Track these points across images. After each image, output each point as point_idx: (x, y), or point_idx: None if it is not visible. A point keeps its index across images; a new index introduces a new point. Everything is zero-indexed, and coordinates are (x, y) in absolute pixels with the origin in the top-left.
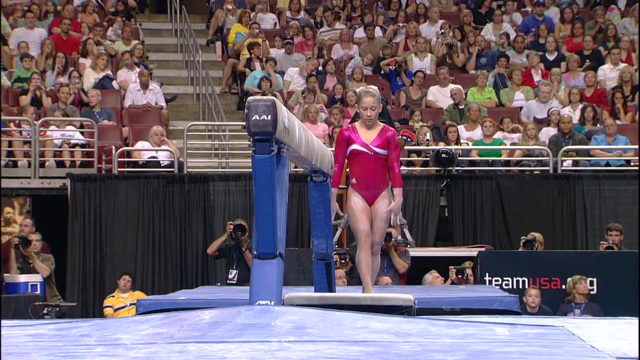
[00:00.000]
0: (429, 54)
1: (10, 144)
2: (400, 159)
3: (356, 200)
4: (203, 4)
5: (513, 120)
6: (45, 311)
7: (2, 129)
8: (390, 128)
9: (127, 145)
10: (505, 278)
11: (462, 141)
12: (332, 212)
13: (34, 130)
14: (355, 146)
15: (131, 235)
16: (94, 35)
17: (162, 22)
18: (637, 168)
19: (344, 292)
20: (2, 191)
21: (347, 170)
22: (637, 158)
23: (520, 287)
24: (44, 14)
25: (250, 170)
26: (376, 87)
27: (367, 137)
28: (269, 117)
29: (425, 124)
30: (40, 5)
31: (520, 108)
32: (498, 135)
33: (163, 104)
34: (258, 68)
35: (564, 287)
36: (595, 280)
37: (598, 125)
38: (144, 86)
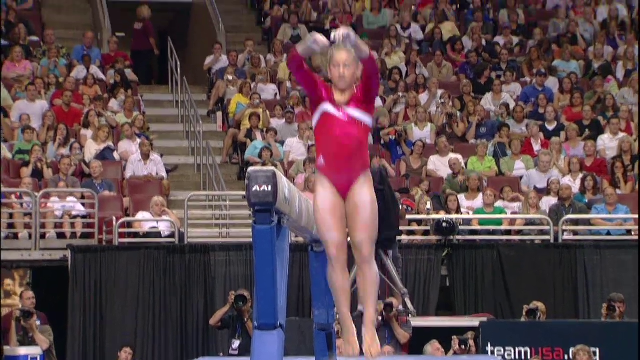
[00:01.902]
0: (429, 124)
1: (11, 215)
2: (401, 228)
3: (324, 196)
4: (204, 75)
5: (513, 190)
6: None
7: (3, 201)
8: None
9: (127, 215)
10: (507, 348)
11: (462, 210)
12: (317, 42)
13: (35, 202)
14: (326, 107)
15: (132, 306)
16: (95, 107)
17: (163, 94)
18: (638, 238)
19: None
20: (2, 263)
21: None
22: (638, 227)
23: (523, 357)
24: (46, 86)
25: (252, 239)
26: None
27: (341, 98)
28: (270, 187)
29: (425, 193)
30: (43, 77)
31: (521, 177)
32: (499, 204)
33: (164, 174)
34: (259, 138)
35: (567, 357)
36: (597, 350)
37: (598, 194)
38: (145, 157)
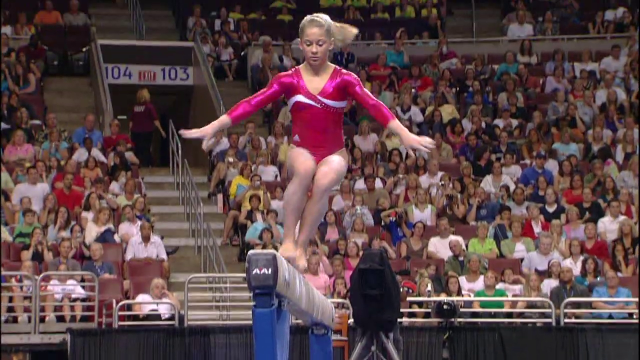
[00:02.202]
0: (429, 205)
1: (10, 299)
2: (401, 310)
3: (299, 150)
4: (204, 158)
5: (514, 272)
6: None
7: (3, 284)
8: (346, 70)
9: (127, 298)
10: None
11: (463, 292)
12: (196, 134)
13: (35, 285)
14: (298, 98)
15: None
16: (96, 190)
17: (164, 176)
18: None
19: None
20: (2, 347)
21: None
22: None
23: None
24: (47, 169)
25: (252, 322)
26: (327, 16)
27: (314, 86)
28: (270, 271)
29: (426, 275)
30: (44, 160)
31: (522, 259)
32: (500, 286)
33: (164, 256)
34: (259, 220)
35: None
36: None
37: (599, 277)
38: (146, 239)
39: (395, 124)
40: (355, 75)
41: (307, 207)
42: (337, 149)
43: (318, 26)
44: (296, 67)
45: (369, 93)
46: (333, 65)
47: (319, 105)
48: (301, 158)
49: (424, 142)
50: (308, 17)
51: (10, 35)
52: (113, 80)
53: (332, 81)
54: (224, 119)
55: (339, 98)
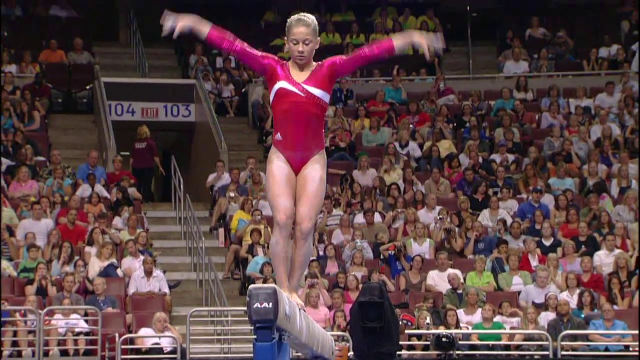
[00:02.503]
0: (428, 239)
1: (15, 333)
2: (401, 342)
3: (279, 165)
4: (206, 193)
5: (512, 305)
6: None
7: (7, 319)
8: (327, 58)
9: (130, 332)
10: None
11: (461, 325)
12: (172, 21)
13: (39, 320)
14: (282, 83)
15: None
16: (99, 225)
17: (166, 210)
18: (636, 353)
19: None
20: None
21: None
22: (636, 343)
23: None
24: (51, 205)
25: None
26: (313, 17)
27: (299, 77)
28: (270, 305)
29: (425, 308)
30: (48, 196)
31: (519, 292)
32: (497, 319)
33: (166, 290)
34: (260, 254)
35: None
36: None
37: (596, 310)
38: (148, 273)
39: (399, 42)
40: (333, 57)
41: (294, 252)
42: (318, 150)
43: (305, 25)
44: (286, 61)
45: (353, 53)
46: (317, 62)
47: (302, 94)
48: (279, 200)
49: (433, 43)
50: (295, 17)
51: (16, 74)
52: (116, 117)
53: (315, 71)
54: (205, 27)
55: (323, 87)
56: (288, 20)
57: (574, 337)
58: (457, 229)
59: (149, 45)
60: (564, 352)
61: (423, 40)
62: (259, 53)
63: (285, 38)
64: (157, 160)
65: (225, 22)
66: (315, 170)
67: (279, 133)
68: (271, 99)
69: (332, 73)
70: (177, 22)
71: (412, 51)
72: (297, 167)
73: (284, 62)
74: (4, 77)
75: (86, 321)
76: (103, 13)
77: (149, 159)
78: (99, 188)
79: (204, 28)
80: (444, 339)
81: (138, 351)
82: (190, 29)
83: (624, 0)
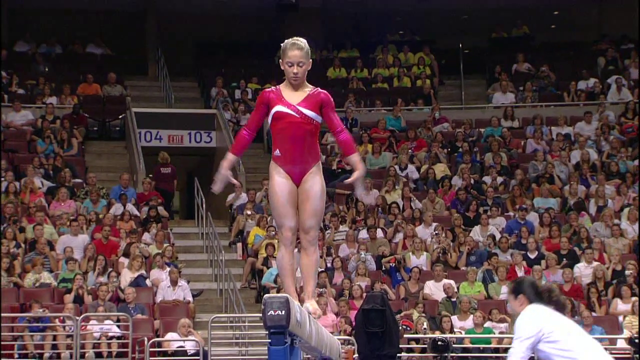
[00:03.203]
0: (425, 253)
1: (54, 338)
2: (400, 346)
3: (279, 182)
4: (226, 211)
5: (500, 311)
6: None
7: (48, 324)
8: (323, 90)
9: (158, 336)
10: None
11: (455, 330)
12: (219, 182)
13: (76, 325)
14: (278, 108)
15: None
16: (130, 240)
17: (190, 227)
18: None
19: None
20: None
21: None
22: (612, 347)
23: None
24: (87, 222)
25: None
26: (305, 40)
27: (293, 98)
28: (283, 312)
29: (417, 313)
30: (85, 214)
31: (507, 300)
32: (488, 324)
33: (190, 298)
34: (274, 266)
35: None
36: None
37: (576, 316)
38: (174, 283)
39: (356, 157)
40: (331, 98)
41: (302, 262)
42: (315, 162)
43: (299, 49)
44: (277, 86)
45: (339, 121)
46: (311, 86)
47: (297, 115)
48: (283, 220)
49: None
50: (289, 41)
51: (56, 105)
52: (145, 144)
53: (310, 98)
54: (230, 156)
55: (316, 111)
56: (282, 44)
57: None
58: (451, 244)
59: (174, 79)
60: None
61: (358, 182)
62: (257, 111)
63: (280, 61)
64: (175, 183)
65: (246, 60)
66: (316, 184)
67: (277, 150)
68: (269, 121)
69: (322, 107)
70: (221, 182)
71: (410, 84)
72: (296, 179)
73: (274, 88)
74: (46, 108)
75: (118, 326)
76: (134, 51)
77: (171, 182)
78: (130, 207)
79: (231, 158)
80: (439, 343)
81: (165, 354)
82: (230, 175)
83: (600, 39)
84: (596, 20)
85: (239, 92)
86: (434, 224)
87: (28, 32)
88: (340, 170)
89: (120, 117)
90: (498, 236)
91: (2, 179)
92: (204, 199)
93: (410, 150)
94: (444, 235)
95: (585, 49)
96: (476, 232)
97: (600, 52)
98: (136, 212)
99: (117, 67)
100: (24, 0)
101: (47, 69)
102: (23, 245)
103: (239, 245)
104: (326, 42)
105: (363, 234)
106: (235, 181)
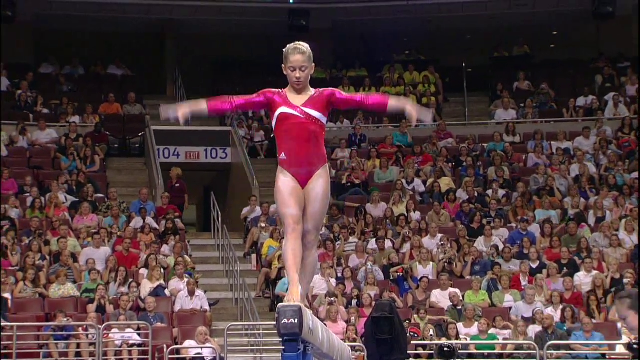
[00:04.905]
0: (431, 262)
1: (78, 345)
2: (409, 352)
3: (284, 180)
4: (241, 223)
5: (504, 319)
6: None
7: (72, 333)
8: (328, 88)
9: (176, 343)
10: None
11: (461, 336)
12: (172, 110)
13: (99, 333)
14: (282, 109)
15: None
16: (150, 252)
17: (207, 239)
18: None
19: None
20: None
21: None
22: (612, 352)
23: None
24: (109, 235)
25: None
26: (307, 45)
27: (297, 101)
28: (296, 320)
29: (423, 319)
30: (107, 228)
31: (510, 308)
32: (492, 331)
33: (207, 307)
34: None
35: None
36: None
37: (576, 323)
38: (191, 293)
39: (392, 104)
40: (334, 89)
41: (303, 258)
42: (321, 164)
43: (301, 53)
44: (282, 89)
45: (354, 94)
46: (314, 89)
47: (301, 116)
48: (286, 209)
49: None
50: (291, 45)
51: (79, 123)
52: (164, 160)
53: (314, 97)
54: (202, 105)
55: (321, 111)
56: (284, 49)
57: (558, 347)
58: (456, 254)
59: (191, 97)
60: None
61: (414, 111)
62: (254, 95)
63: (283, 65)
64: (186, 197)
65: (262, 77)
66: (320, 187)
67: (283, 152)
68: (273, 124)
69: (329, 102)
70: (177, 113)
71: (416, 101)
72: (303, 181)
73: (279, 91)
74: (70, 127)
75: (139, 334)
76: (152, 71)
77: (182, 196)
78: (150, 220)
79: (201, 106)
80: (445, 349)
81: None
82: (191, 114)
83: (598, 58)
84: (593, 40)
85: (252, 110)
86: (440, 235)
87: (52, 54)
88: (349, 184)
89: (139, 134)
90: (501, 246)
91: (28, 194)
92: (219, 213)
93: (416, 165)
94: (449, 245)
95: (583, 67)
96: (480, 243)
97: (598, 70)
98: (155, 225)
99: (136, 87)
100: (48, 24)
101: (70, 90)
102: (48, 257)
103: (254, 256)
104: (336, 62)
105: (372, 244)
106: (181, 119)
